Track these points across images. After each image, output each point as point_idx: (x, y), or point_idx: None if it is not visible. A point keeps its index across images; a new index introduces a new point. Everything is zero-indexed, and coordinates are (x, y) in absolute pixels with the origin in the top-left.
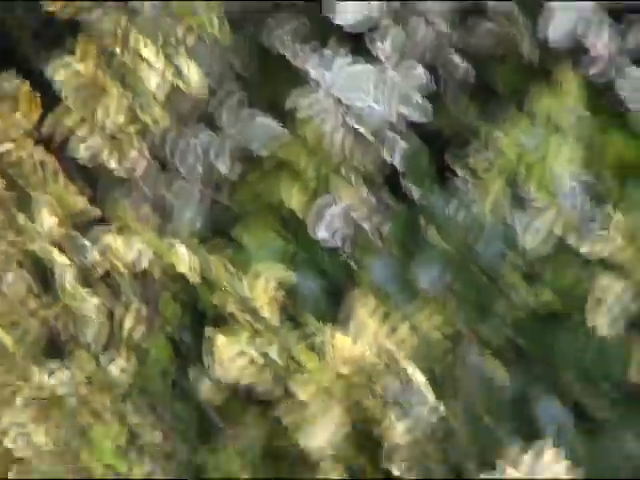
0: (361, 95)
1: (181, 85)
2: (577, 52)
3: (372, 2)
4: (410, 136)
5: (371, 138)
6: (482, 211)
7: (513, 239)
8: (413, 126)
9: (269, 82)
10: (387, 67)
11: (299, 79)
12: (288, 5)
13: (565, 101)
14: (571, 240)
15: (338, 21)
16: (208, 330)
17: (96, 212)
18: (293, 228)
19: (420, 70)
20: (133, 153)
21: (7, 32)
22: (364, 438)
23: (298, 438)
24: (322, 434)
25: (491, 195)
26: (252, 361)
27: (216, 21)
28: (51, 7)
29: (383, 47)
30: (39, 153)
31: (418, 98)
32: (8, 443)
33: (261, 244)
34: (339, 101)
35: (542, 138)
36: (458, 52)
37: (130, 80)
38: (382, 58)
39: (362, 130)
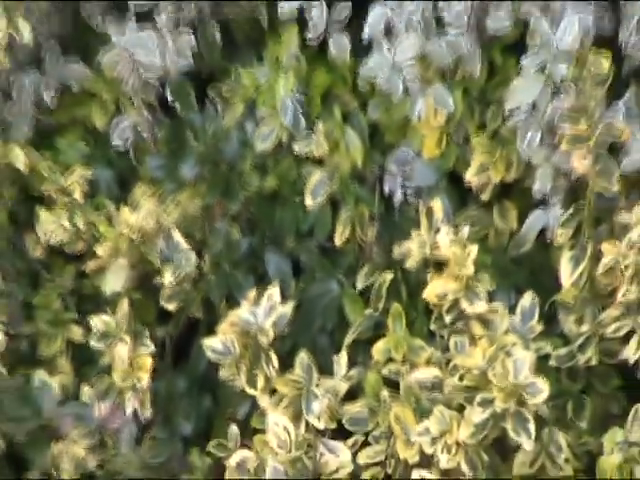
0: (146, 52)
1: (17, 38)
2: (302, 18)
3: None
4: (179, 76)
5: (152, 80)
6: (227, 123)
7: (247, 142)
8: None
9: (83, 40)
10: (164, 32)
11: (105, 39)
12: None
13: (287, 48)
14: (287, 141)
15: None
16: (37, 208)
17: None
18: (94, 138)
19: (187, 34)
20: None
21: None
22: (144, 282)
23: (99, 284)
24: (115, 280)
25: (233, 113)
26: (65, 229)
27: None
28: None
29: (160, 18)
30: None
31: (185, 52)
32: None
33: (72, 148)
34: (131, 56)
35: (270, 74)
36: (213, 19)
37: None
38: (160, 26)
39: (146, 75)
